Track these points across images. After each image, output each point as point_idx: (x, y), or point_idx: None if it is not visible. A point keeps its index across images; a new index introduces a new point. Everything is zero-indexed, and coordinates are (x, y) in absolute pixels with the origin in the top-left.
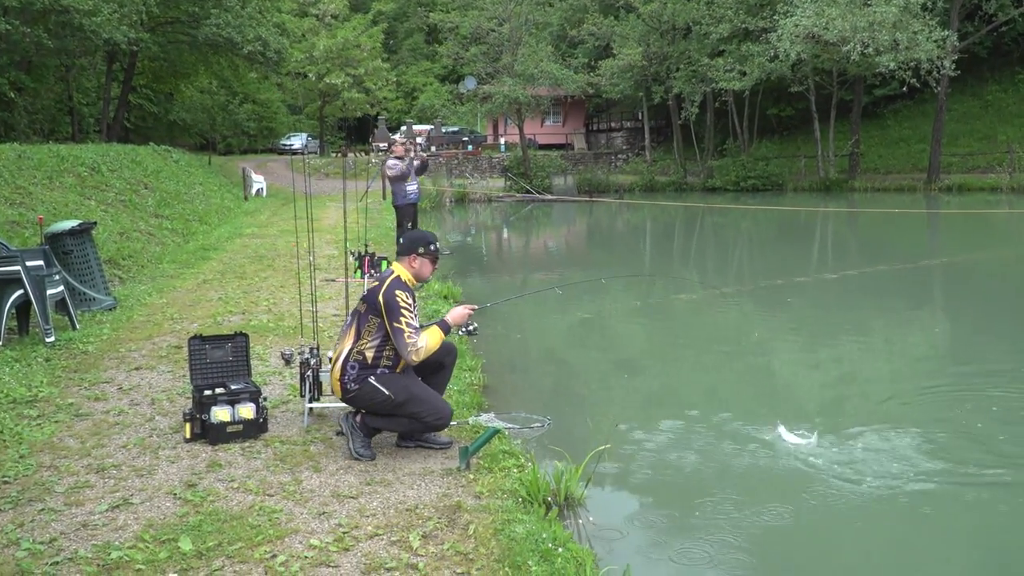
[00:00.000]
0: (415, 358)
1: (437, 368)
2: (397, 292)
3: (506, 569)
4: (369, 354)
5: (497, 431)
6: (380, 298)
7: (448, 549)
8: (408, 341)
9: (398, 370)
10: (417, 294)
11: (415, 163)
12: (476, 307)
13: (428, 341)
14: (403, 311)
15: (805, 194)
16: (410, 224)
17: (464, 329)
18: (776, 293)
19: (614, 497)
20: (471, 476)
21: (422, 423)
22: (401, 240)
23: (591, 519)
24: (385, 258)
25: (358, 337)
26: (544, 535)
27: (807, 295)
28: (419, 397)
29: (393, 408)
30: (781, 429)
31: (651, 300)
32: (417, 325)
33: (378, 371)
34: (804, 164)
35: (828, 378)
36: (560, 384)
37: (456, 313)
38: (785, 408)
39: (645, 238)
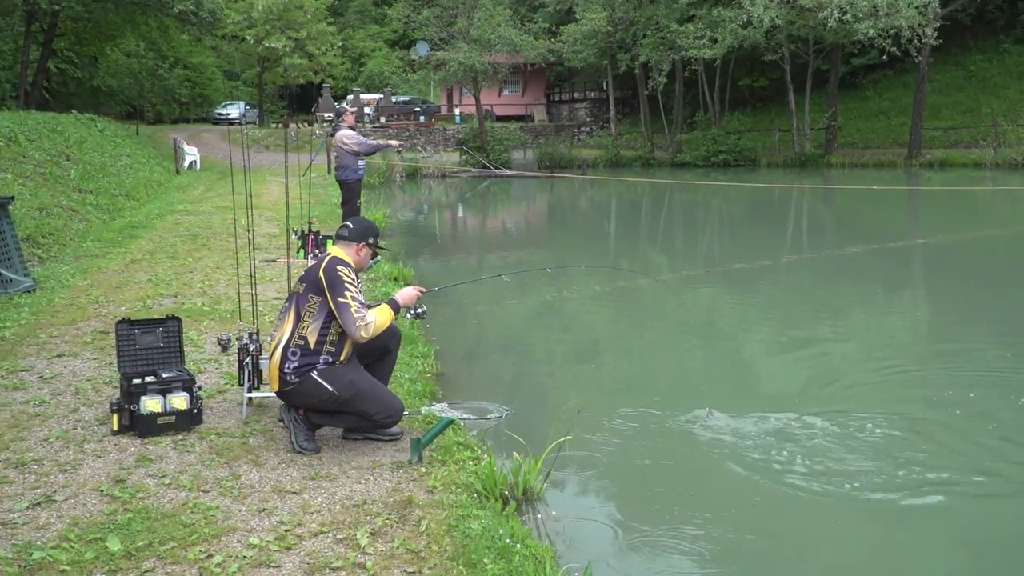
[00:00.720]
0: (364, 334)
1: (382, 354)
2: (339, 267)
3: (460, 567)
4: (312, 338)
5: (451, 422)
6: (320, 274)
7: (398, 547)
8: (356, 316)
9: (342, 359)
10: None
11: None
12: (425, 289)
13: (378, 318)
14: (347, 285)
15: (779, 170)
16: (359, 202)
17: (412, 311)
18: (747, 275)
19: (576, 490)
20: (423, 469)
21: (371, 421)
22: (351, 224)
23: (552, 513)
24: (330, 237)
25: (298, 320)
26: (501, 531)
27: (780, 277)
28: (367, 393)
29: (339, 406)
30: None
31: (615, 284)
32: (363, 300)
33: (321, 360)
34: (778, 138)
35: (799, 364)
36: (519, 372)
37: (406, 294)
38: (752, 394)
39: (609, 217)
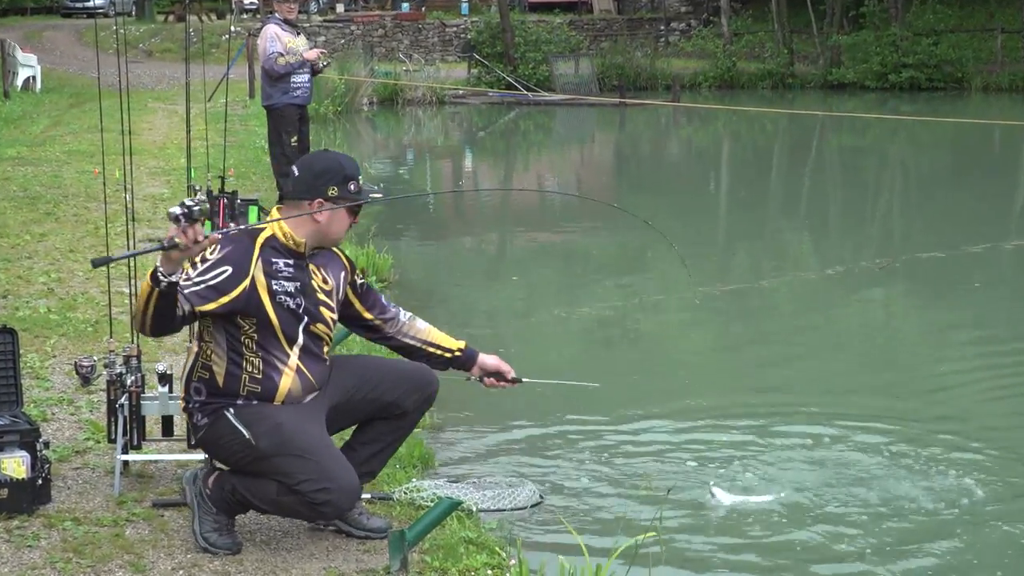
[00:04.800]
0: None
1: (392, 413)
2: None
3: None
4: (219, 370)
5: (456, 505)
6: None
7: None
8: None
9: (279, 398)
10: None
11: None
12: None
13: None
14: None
15: (1001, 96)
16: (295, 140)
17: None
18: (950, 269)
19: None
20: None
21: (294, 493)
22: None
23: None
24: (255, 202)
25: (201, 338)
26: None
27: (1003, 273)
28: (295, 447)
29: (253, 462)
30: (716, 491)
31: (735, 282)
32: (194, 282)
33: (239, 400)
34: (1001, 44)
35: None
36: (570, 424)
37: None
38: (941, 465)
39: (718, 172)
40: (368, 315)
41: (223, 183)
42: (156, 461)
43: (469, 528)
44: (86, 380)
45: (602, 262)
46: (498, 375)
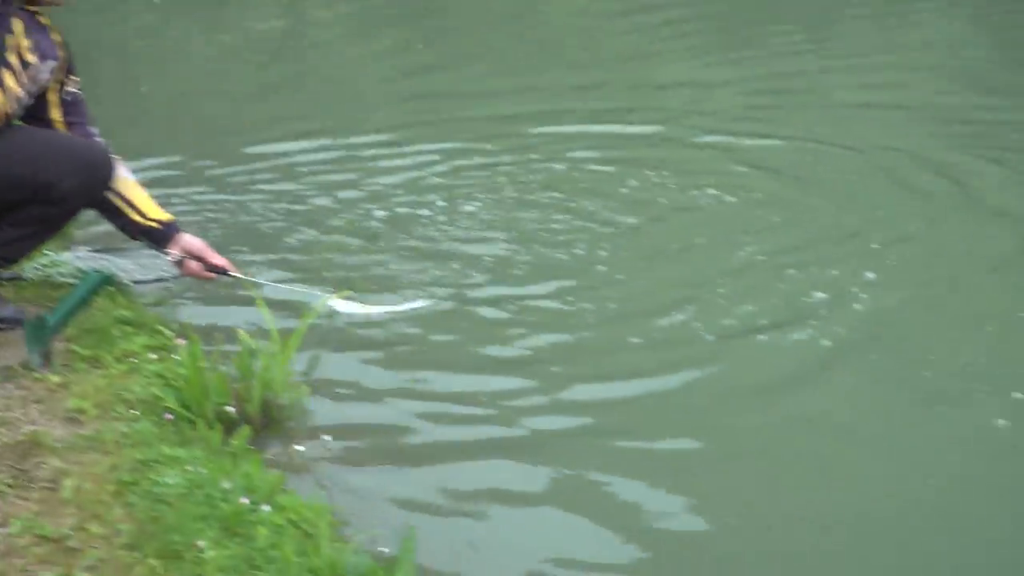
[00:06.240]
0: None
1: (48, 197)
2: None
3: (150, 562)
4: None
5: (105, 280)
6: None
7: (21, 534)
8: None
9: None
10: None
11: None
12: None
13: None
14: None
15: None
16: None
17: None
18: None
19: (367, 397)
20: (55, 379)
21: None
22: None
23: (327, 441)
24: None
25: None
26: (226, 484)
27: None
28: None
29: None
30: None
31: None
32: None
33: None
34: None
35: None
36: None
37: None
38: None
39: None
40: (64, 129)
41: None
42: None
43: (123, 306)
44: None
45: None
46: (202, 261)
